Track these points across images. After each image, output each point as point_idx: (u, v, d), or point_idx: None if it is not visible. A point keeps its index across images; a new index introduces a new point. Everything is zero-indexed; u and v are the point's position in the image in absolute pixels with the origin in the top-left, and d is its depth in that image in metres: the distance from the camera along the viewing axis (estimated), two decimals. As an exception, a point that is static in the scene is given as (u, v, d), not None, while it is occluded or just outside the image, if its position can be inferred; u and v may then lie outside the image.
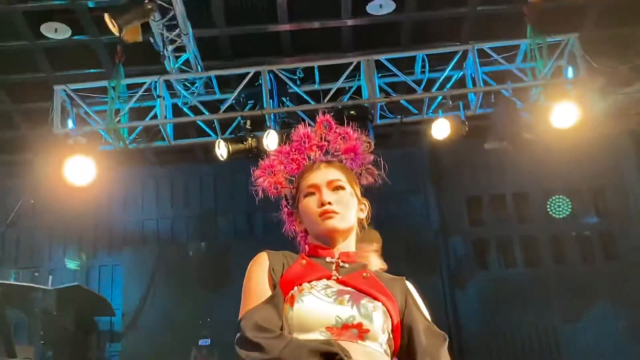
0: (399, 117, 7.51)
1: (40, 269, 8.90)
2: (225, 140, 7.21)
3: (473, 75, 7.35)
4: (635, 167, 8.90)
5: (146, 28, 6.50)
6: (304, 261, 2.02)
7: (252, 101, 7.30)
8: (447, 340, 1.98)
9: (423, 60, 7.52)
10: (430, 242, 8.74)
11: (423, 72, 7.56)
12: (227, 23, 7.30)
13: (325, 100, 7.33)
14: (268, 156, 2.22)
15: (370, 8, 7.25)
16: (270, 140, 6.92)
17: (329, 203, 2.04)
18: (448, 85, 7.50)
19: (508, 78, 7.40)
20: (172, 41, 6.84)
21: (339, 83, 7.36)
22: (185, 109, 7.53)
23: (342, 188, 2.08)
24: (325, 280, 1.96)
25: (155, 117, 7.38)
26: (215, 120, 7.36)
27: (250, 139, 7.12)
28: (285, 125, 7.23)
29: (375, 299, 1.93)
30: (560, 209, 9.07)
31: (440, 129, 7.32)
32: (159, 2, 6.19)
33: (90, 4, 6.80)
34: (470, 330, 8.75)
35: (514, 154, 7.72)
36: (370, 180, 2.18)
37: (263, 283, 1.97)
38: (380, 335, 1.88)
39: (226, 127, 7.43)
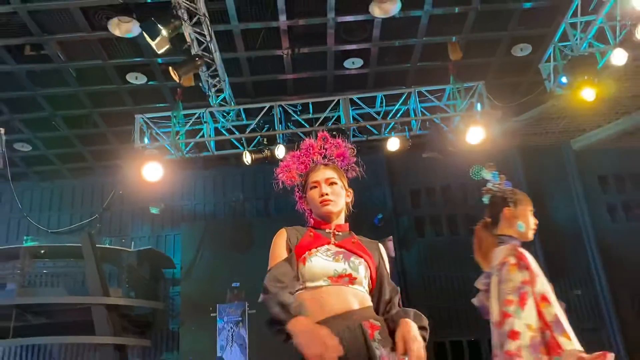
0: (366, 136, 7.50)
1: (126, 238, 8.89)
2: (250, 151, 7.21)
3: (415, 108, 7.39)
4: (522, 171, 8.92)
5: (197, 76, 6.51)
6: (311, 233, 2.01)
7: (268, 125, 7.32)
8: (399, 291, 2.02)
9: (381, 99, 7.54)
10: (386, 219, 8.75)
11: (382, 106, 7.58)
12: (252, 73, 7.31)
13: (316, 125, 7.33)
14: (284, 160, 2.21)
15: (347, 63, 7.30)
16: (280, 151, 6.95)
17: (327, 194, 2.04)
18: (398, 115, 7.52)
19: (438, 111, 7.44)
20: (214, 85, 6.85)
21: (325, 113, 7.38)
22: (223, 130, 7.51)
23: (336, 183, 2.08)
24: (326, 245, 1.96)
25: (202, 136, 7.40)
26: (243, 138, 7.35)
27: (266, 150, 7.13)
28: (290, 141, 7.19)
29: (360, 257, 1.94)
30: (477, 175, 9.09)
31: (393, 144, 7.35)
32: (206, 60, 6.20)
33: (159, 60, 6.83)
34: (413, 278, 8.68)
35: (442, 161, 7.70)
36: (353, 174, 2.18)
37: (282, 249, 1.97)
38: (363, 281, 1.91)
39: (250, 142, 7.38)
